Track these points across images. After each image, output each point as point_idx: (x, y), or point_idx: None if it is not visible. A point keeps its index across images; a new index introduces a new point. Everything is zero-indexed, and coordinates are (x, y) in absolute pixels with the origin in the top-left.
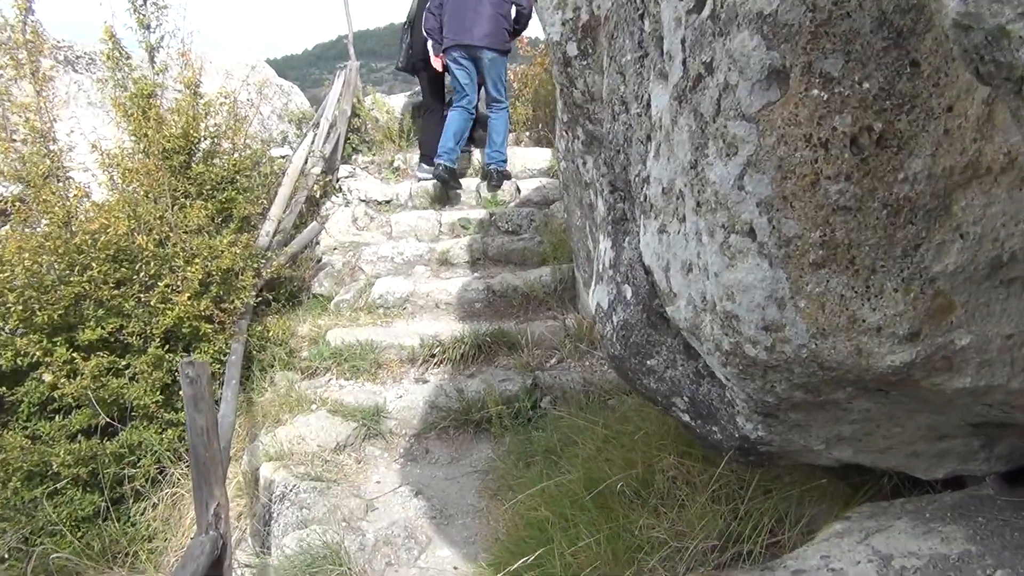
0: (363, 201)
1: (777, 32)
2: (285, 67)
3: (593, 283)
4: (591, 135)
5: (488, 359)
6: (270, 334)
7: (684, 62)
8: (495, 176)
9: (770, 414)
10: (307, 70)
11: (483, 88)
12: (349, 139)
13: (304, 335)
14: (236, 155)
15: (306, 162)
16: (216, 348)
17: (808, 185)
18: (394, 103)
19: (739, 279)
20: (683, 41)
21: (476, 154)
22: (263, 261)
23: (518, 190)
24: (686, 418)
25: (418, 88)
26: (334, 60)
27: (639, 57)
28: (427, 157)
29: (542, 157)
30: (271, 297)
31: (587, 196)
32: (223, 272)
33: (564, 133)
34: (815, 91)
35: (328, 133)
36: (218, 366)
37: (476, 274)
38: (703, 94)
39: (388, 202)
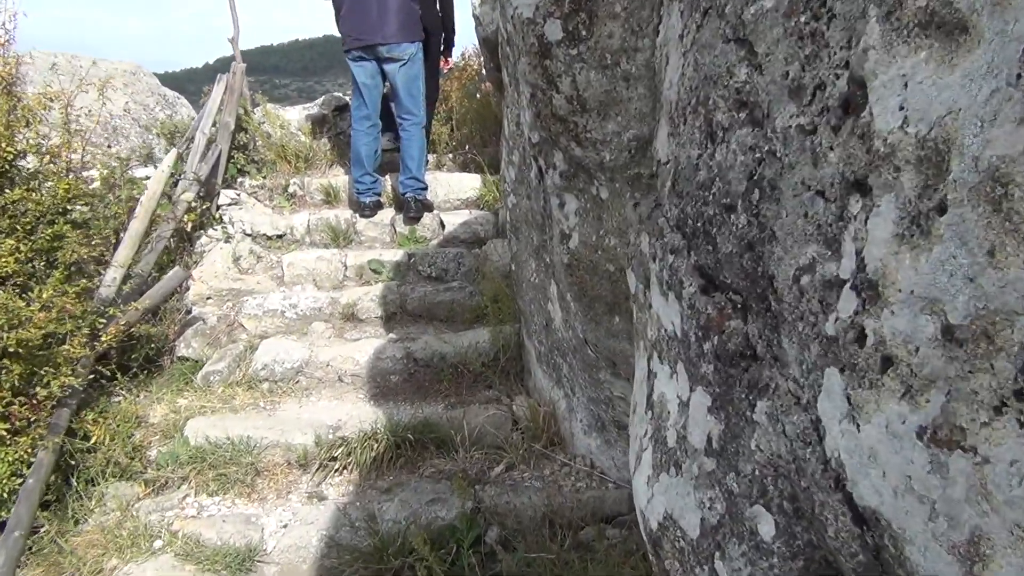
0: (248, 235)
1: None
2: (184, 81)
3: (639, 459)
4: (578, 164)
5: (410, 463)
6: (109, 425)
7: None
8: (413, 206)
9: None
10: (208, 85)
11: (393, 98)
12: (233, 158)
13: (156, 423)
14: (71, 176)
15: (173, 186)
16: (14, 458)
17: None
18: (290, 116)
19: None
20: None
21: (388, 180)
22: (102, 320)
23: (441, 225)
24: None
25: (319, 100)
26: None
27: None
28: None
29: (469, 184)
30: (117, 365)
31: (558, 249)
32: (28, 347)
33: (517, 158)
34: None
35: (206, 150)
36: (20, 481)
37: (392, 335)
38: None
39: (280, 237)
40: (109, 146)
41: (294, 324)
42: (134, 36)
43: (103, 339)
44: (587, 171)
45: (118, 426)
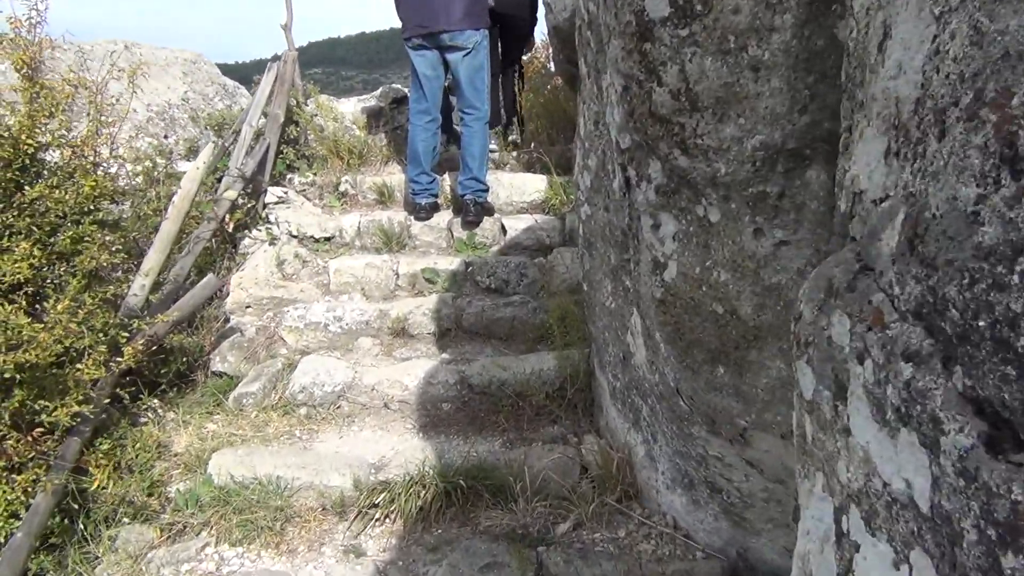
0: (295, 237)
1: None
2: (253, 70)
3: None
4: (681, 177)
5: (462, 514)
6: (127, 455)
7: None
8: (472, 210)
9: None
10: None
11: (455, 91)
12: (282, 153)
13: (180, 453)
14: (100, 171)
15: (217, 183)
16: (12, 498)
17: None
18: (344, 108)
19: None
20: None
21: (446, 180)
22: (125, 334)
23: (503, 230)
24: None
25: (376, 92)
26: (303, 67)
27: None
28: None
29: (534, 186)
30: (145, 382)
31: (647, 279)
32: (33, 369)
33: (594, 163)
34: None
35: (252, 144)
36: (19, 524)
37: (445, 354)
38: None
39: (328, 239)
40: (165, 136)
41: (338, 339)
42: (203, 27)
43: (123, 358)
44: (693, 186)
45: (136, 455)
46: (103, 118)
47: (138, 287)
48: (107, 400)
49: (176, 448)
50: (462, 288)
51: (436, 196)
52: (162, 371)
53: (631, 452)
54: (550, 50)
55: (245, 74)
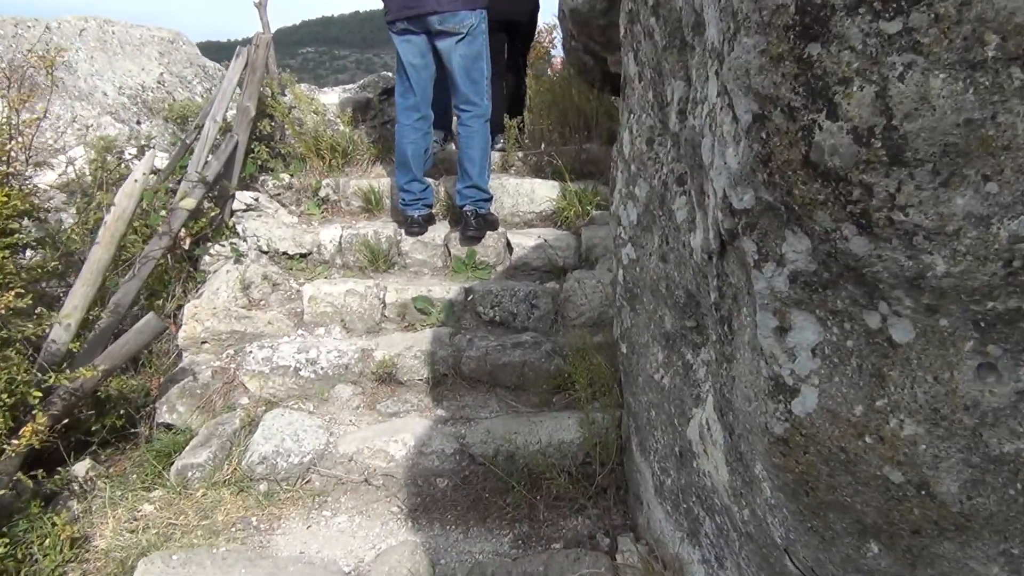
0: (265, 253)
1: None
2: (233, 52)
3: None
4: (848, 266)
5: None
6: (29, 569)
7: None
8: (473, 223)
9: None
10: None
11: (449, 84)
12: (254, 152)
13: (102, 551)
14: (15, 183)
15: (173, 191)
16: None
17: None
18: (327, 100)
19: None
20: None
21: (440, 186)
22: (37, 394)
23: (508, 248)
24: None
25: (363, 81)
26: (295, 46)
27: None
28: None
29: (544, 194)
30: (69, 443)
31: (746, 392)
32: None
33: (643, 192)
34: None
35: (216, 142)
36: None
37: (440, 409)
38: None
39: (304, 256)
40: (138, 122)
41: (311, 387)
42: (190, 5)
43: (20, 439)
44: (868, 284)
45: (43, 558)
46: (22, 117)
47: (57, 334)
48: (10, 482)
49: (98, 542)
50: (461, 321)
51: (431, 206)
52: (93, 427)
53: (683, 568)
54: (554, 34)
55: (228, 55)
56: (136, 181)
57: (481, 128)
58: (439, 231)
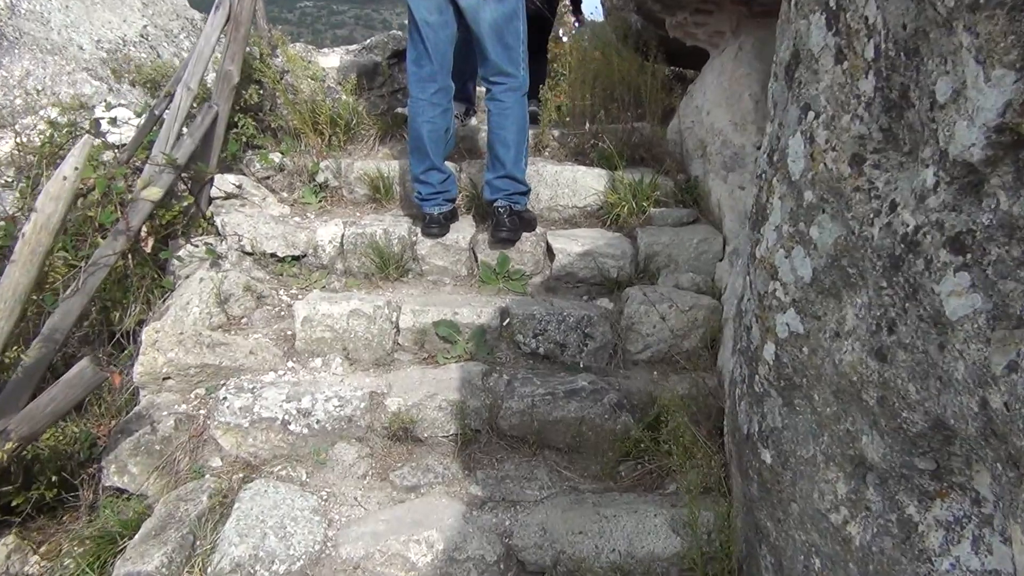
0: (248, 255)
1: None
2: None
3: None
4: None
5: None
6: None
7: None
8: (507, 222)
9: None
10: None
11: (476, 48)
12: (238, 126)
13: None
14: None
15: (134, 175)
16: None
17: None
18: (327, 63)
19: None
20: None
21: (461, 173)
22: None
23: (549, 253)
24: None
25: (369, 41)
26: (291, 0)
27: None
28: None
29: (589, 184)
30: None
31: None
32: None
33: (826, 240)
34: None
35: (191, 114)
36: None
37: (475, 485)
38: None
39: (298, 259)
40: (118, 81)
41: (304, 445)
42: None
43: None
44: None
45: None
46: None
47: None
48: None
49: None
50: (495, 352)
51: (453, 200)
52: (15, 502)
53: None
54: None
55: None
56: (65, 179)
57: (517, 104)
58: (463, 230)
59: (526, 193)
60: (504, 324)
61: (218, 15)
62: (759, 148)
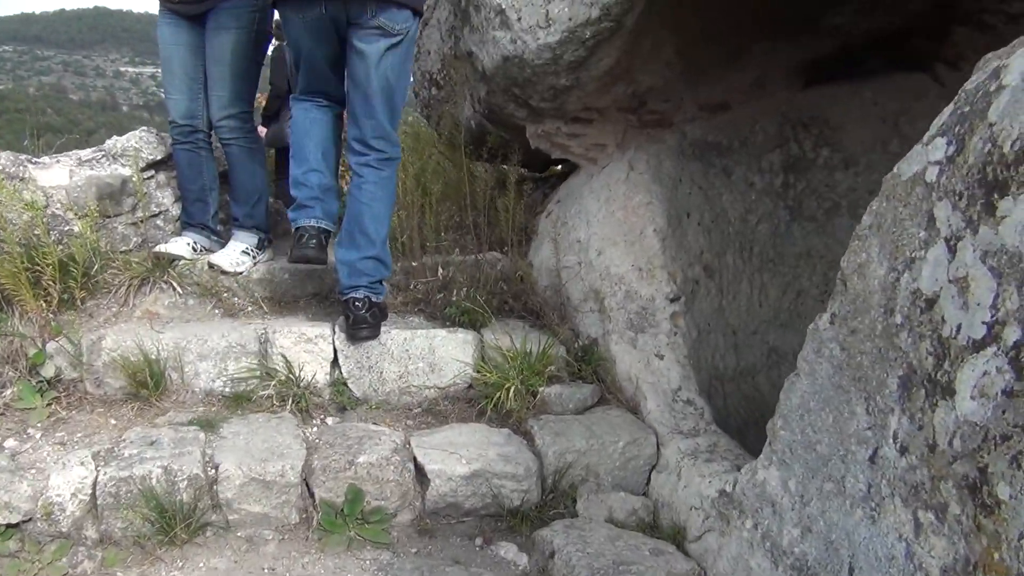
0: None
1: None
2: None
3: None
4: None
5: None
6: None
7: None
8: (367, 317)
9: None
10: None
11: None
12: None
13: None
14: None
15: None
16: None
17: None
18: (48, 179)
19: None
20: None
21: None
22: None
23: (419, 475)
24: None
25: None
26: None
27: None
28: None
29: (451, 354)
30: None
31: None
32: None
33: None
34: None
35: None
36: None
37: None
38: None
39: (17, 527)
40: None
41: None
42: None
43: None
44: None
45: None
46: None
47: None
48: None
49: None
50: None
51: (332, 217)
52: None
53: None
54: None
55: None
56: None
57: (391, 178)
58: (289, 455)
59: (387, 272)
60: None
61: None
62: (673, 300)
